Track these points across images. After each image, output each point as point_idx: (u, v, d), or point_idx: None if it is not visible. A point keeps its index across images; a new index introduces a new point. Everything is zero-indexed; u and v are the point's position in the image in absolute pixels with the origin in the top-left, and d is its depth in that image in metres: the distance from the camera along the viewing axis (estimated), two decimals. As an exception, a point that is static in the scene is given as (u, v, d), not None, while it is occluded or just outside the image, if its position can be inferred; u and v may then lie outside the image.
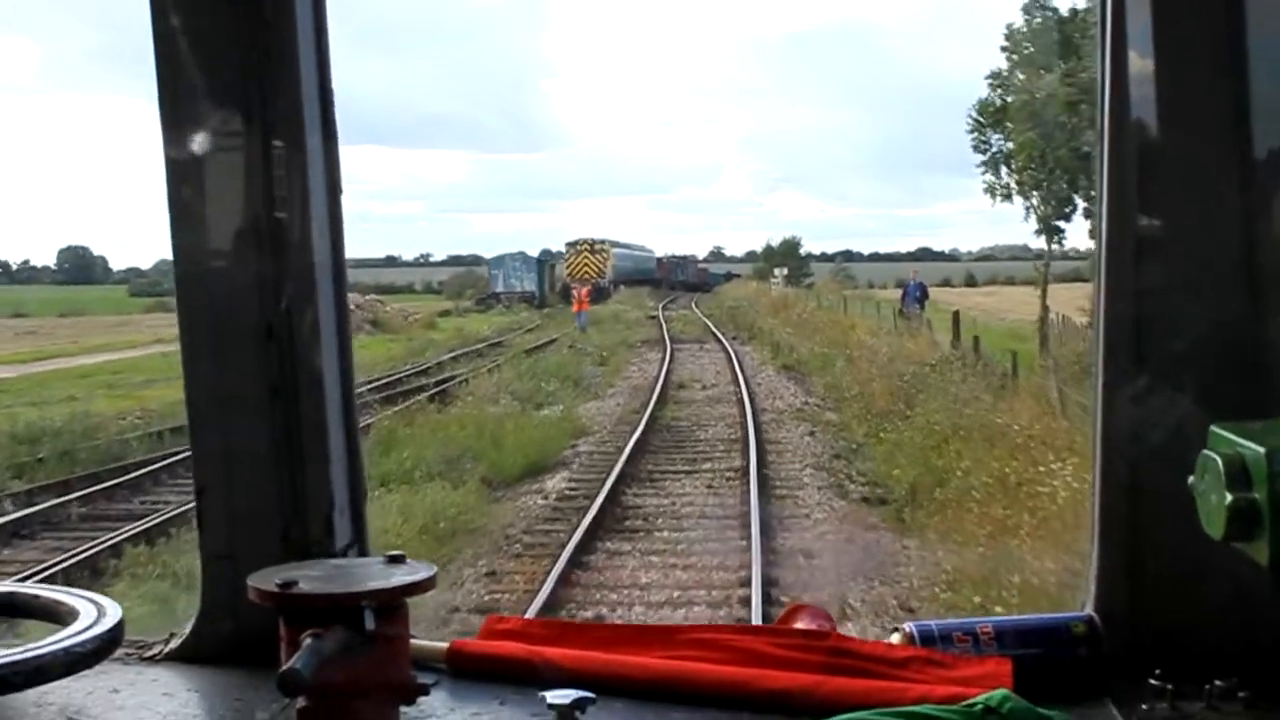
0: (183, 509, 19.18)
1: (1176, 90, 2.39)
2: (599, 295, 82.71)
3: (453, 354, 45.24)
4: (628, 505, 19.71)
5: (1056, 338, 33.06)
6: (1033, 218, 38.04)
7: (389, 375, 36.43)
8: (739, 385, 34.64)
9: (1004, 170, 38.06)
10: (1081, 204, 35.49)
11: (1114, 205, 2.43)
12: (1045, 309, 36.47)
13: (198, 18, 2.65)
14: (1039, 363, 28.54)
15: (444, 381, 35.12)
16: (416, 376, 36.93)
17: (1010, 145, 37.32)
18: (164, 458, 23.46)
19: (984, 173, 38.90)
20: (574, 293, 63.24)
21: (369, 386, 30.77)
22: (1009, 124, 37.08)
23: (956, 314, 33.78)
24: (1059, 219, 38.04)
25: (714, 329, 58.64)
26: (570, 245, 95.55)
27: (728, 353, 45.40)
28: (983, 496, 17.02)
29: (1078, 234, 38.25)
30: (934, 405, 23.45)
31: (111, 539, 17.48)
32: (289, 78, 2.64)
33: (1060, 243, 39.19)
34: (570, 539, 16.94)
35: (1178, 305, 2.40)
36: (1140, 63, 2.39)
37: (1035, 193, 37.22)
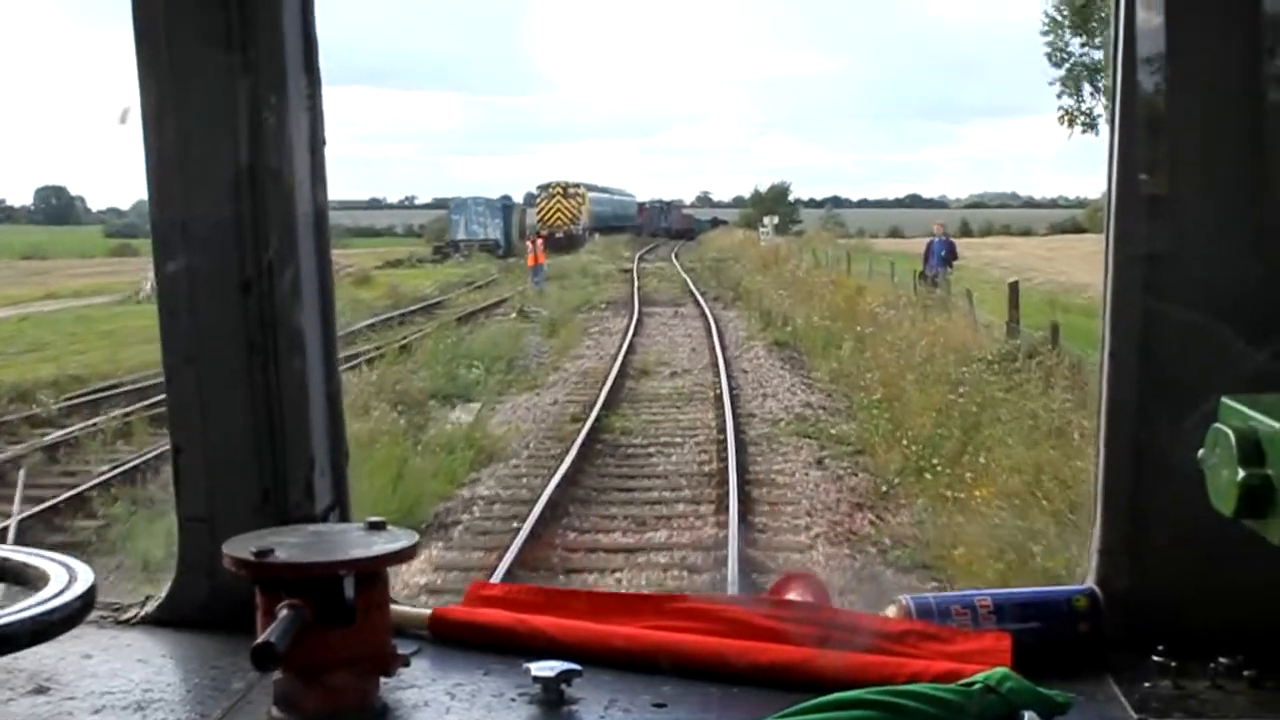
0: None
1: (1188, 46, 2.28)
2: (571, 244, 74.89)
3: (374, 320, 36.59)
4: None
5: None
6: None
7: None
8: (718, 373, 26.49)
9: (1087, 90, 28.92)
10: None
11: (1123, 166, 2.35)
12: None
13: None
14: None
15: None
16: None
17: (1103, 55, 28.45)
18: None
19: (1060, 94, 29.85)
20: (528, 245, 54.47)
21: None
22: (1100, 23, 28.25)
23: (1014, 285, 25.16)
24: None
25: (693, 288, 50.39)
26: (542, 189, 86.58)
27: (707, 321, 37.17)
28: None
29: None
30: (1014, 444, 15.18)
31: None
32: (271, 20, 2.51)
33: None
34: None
35: (1187, 270, 2.31)
36: (1151, 18, 2.29)
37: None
